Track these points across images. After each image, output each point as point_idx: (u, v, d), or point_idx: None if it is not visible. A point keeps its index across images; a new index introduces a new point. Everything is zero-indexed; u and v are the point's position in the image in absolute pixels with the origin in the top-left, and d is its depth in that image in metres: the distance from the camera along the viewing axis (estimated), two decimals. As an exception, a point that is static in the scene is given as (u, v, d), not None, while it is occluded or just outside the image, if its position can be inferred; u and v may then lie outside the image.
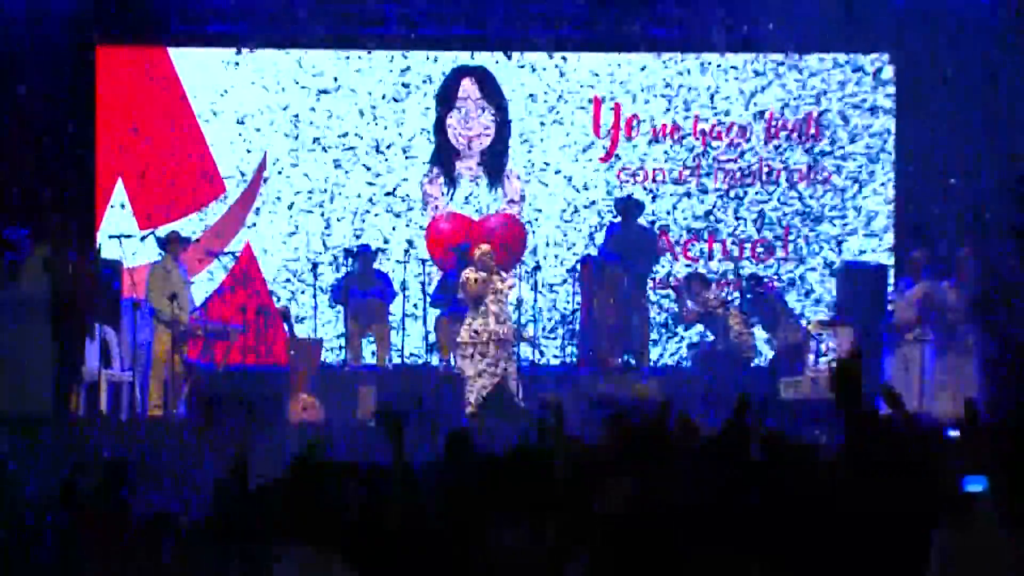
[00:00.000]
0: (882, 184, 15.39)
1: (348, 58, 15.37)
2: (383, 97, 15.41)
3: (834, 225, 15.36)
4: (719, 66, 15.35)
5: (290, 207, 15.34)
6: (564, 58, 15.38)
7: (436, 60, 15.47)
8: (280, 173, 15.38)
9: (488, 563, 5.57)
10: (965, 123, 14.56)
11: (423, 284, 14.64)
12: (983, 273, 13.27)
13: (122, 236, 14.20)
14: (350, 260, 14.61)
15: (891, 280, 14.28)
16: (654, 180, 15.44)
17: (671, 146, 15.44)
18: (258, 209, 15.39)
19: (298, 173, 15.37)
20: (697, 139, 15.44)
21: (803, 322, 14.47)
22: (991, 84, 14.50)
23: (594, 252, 14.76)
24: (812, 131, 15.43)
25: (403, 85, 15.44)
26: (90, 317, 12.46)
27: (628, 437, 6.55)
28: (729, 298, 14.48)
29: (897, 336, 13.31)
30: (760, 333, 14.35)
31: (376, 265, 14.67)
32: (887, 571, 5.44)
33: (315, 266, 14.81)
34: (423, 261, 14.86)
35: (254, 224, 15.37)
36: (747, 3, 14.69)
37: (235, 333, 14.11)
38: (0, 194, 14.34)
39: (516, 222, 15.49)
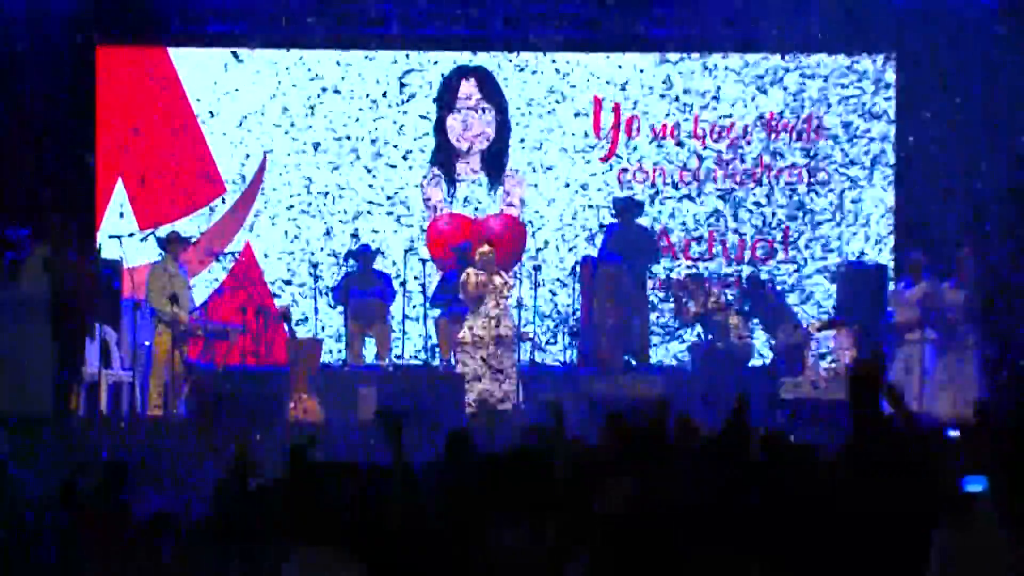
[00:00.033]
0: (882, 185, 15.38)
1: (348, 58, 15.37)
2: (383, 97, 15.41)
3: (835, 225, 15.35)
4: (720, 67, 15.34)
5: (290, 207, 15.34)
6: (565, 59, 15.38)
7: (436, 62, 15.47)
8: (280, 174, 15.37)
9: (488, 563, 5.57)
10: (965, 124, 14.55)
11: (423, 284, 14.63)
12: (983, 273, 13.27)
13: (122, 236, 14.21)
14: (350, 260, 14.62)
15: (891, 280, 14.28)
16: (654, 181, 15.43)
17: (671, 147, 15.44)
18: (258, 210, 15.39)
19: (298, 173, 15.36)
20: (697, 140, 15.43)
21: (803, 323, 14.46)
22: (991, 85, 14.50)
23: (594, 252, 14.75)
24: (813, 132, 15.42)
25: (403, 85, 15.44)
26: (90, 317, 12.46)
27: (628, 437, 6.56)
28: (729, 298, 14.46)
29: (897, 336, 13.29)
30: (760, 334, 14.34)
31: (376, 265, 14.68)
32: (887, 571, 5.44)
33: (315, 266, 14.81)
34: (423, 261, 14.85)
35: (254, 224, 15.37)
36: (748, 4, 14.69)
37: (235, 333, 14.09)
38: (0, 194, 14.34)
39: (516, 222, 15.48)
